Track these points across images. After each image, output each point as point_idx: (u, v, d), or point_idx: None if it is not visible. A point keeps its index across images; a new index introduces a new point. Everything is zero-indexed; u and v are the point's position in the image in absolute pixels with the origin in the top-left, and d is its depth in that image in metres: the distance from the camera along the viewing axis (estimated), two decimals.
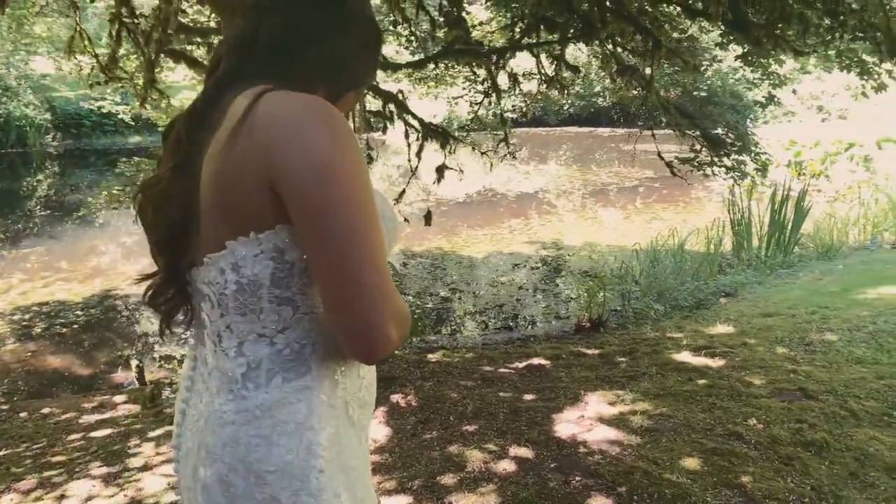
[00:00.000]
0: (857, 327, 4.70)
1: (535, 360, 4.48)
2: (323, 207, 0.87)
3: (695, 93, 26.54)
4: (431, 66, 7.70)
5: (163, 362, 6.33)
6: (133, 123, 17.46)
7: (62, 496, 2.95)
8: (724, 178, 6.46)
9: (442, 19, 6.40)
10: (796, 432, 3.15)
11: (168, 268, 1.04)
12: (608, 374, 4.13)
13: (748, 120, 24.58)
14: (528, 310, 6.90)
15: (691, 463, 2.92)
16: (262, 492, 0.96)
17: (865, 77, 4.22)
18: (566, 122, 28.31)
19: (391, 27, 6.95)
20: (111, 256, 9.73)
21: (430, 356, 4.73)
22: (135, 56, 7.01)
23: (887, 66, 3.96)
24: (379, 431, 3.40)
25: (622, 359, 4.44)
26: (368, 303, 0.88)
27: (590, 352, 4.68)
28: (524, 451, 3.10)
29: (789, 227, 7.88)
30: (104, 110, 18.37)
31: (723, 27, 4.18)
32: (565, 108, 26.66)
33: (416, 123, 6.59)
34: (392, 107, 6.20)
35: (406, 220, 6.64)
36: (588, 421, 3.39)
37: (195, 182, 0.96)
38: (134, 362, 5.69)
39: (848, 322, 4.83)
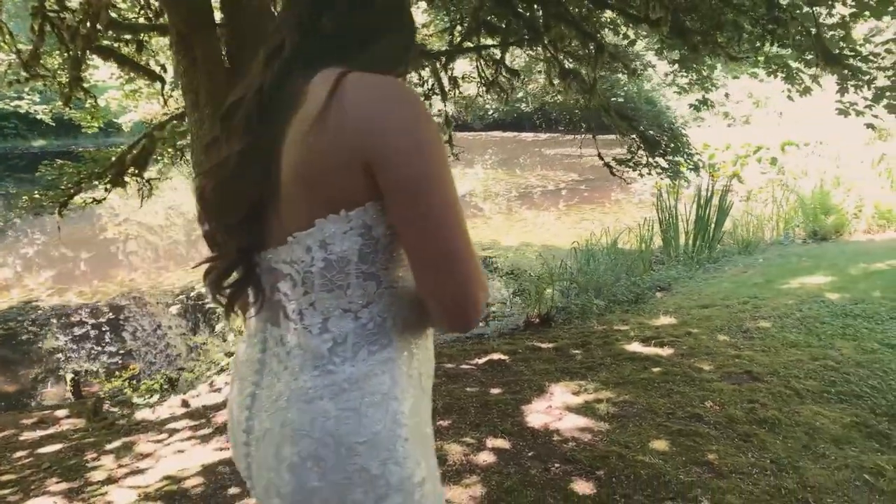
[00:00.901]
0: (786, 314, 5.05)
1: (494, 356, 4.57)
2: (421, 183, 0.90)
3: (612, 98, 27.60)
4: None
5: (92, 376, 6.01)
6: (52, 124, 16.45)
7: None
8: (660, 176, 6.78)
9: None
10: (749, 412, 3.37)
11: (239, 250, 1.04)
12: (566, 365, 4.26)
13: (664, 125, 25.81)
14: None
15: (660, 445, 3.08)
16: (353, 463, 0.97)
17: (791, 82, 4.58)
18: (490, 127, 28.79)
19: None
20: (26, 265, 9.13)
21: None
22: (58, 53, 6.63)
23: (812, 71, 4.31)
24: None
25: (576, 351, 4.59)
26: (465, 270, 0.92)
27: (544, 346, 4.81)
28: (501, 442, 3.17)
29: (713, 225, 8.35)
30: (5, 111, 17.20)
31: (664, 34, 4.41)
32: (490, 113, 27.12)
33: None
34: None
35: None
36: (557, 410, 3.50)
37: (270, 163, 0.97)
38: (69, 376, 5.38)
39: (777, 310, 5.19)
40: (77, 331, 7.57)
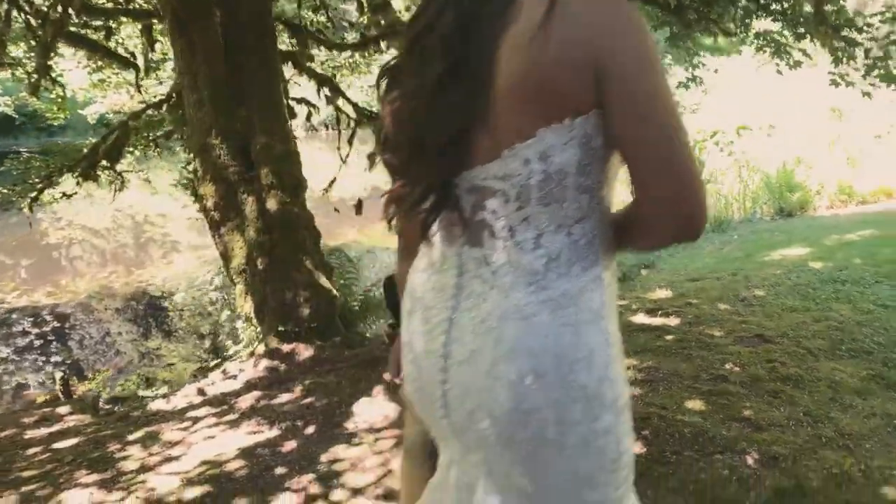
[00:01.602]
0: (778, 283, 5.24)
1: None
2: (650, 90, 0.90)
3: None
4: (347, 53, 7.60)
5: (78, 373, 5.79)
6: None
7: None
8: None
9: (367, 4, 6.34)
10: (771, 370, 3.48)
11: (441, 173, 1.01)
12: None
13: None
14: None
15: (695, 404, 3.15)
16: (573, 380, 0.96)
17: (780, 56, 4.75)
18: None
19: (312, 12, 6.78)
20: None
21: None
22: (23, 41, 6.32)
23: (802, 45, 4.47)
24: (387, 408, 3.35)
25: None
26: (691, 174, 0.92)
27: None
28: None
29: None
30: None
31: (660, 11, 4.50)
32: None
33: (348, 109, 6.49)
34: (327, 91, 6.06)
35: (336, 209, 6.52)
36: None
37: (477, 80, 0.95)
38: (58, 375, 5.15)
39: (768, 279, 5.37)
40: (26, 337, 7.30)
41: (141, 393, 4.31)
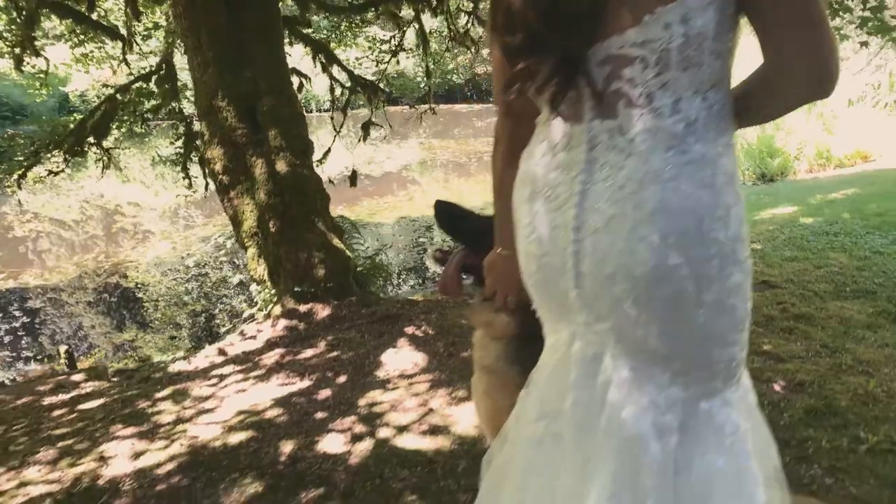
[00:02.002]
0: (773, 237, 5.40)
1: None
2: None
3: None
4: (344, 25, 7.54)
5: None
6: None
7: (102, 457, 2.65)
8: None
9: None
10: (783, 311, 3.61)
11: (576, 45, 1.05)
12: None
13: None
14: None
15: None
16: (712, 238, 1.01)
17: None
18: (422, 101, 28.63)
19: None
20: None
21: (414, 298, 4.74)
22: (3, 13, 6.13)
23: None
24: (415, 356, 3.39)
25: None
26: (826, 25, 0.97)
27: None
28: None
29: None
30: None
31: None
32: (421, 86, 26.99)
33: (342, 77, 6.45)
34: (322, 58, 6.02)
35: (331, 180, 6.50)
36: None
37: None
38: (62, 349, 5.08)
39: (762, 235, 5.53)
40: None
41: (157, 359, 4.27)
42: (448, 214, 1.74)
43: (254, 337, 4.00)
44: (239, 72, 4.21)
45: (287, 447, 2.58)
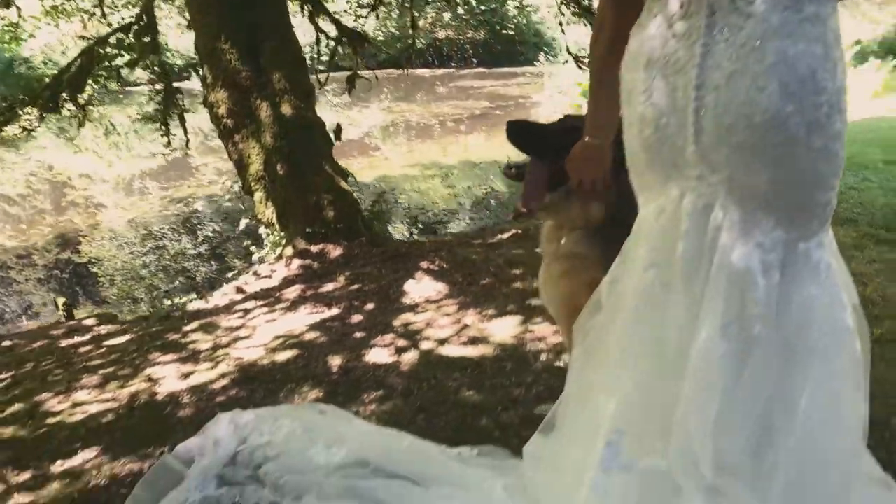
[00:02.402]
0: None
1: (511, 233, 4.79)
2: None
3: (503, 31, 27.99)
4: None
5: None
6: None
7: (150, 378, 2.72)
8: None
9: None
10: None
11: None
12: None
13: (540, 56, 26.64)
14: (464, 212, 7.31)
15: None
16: (822, 86, 1.15)
17: None
18: (383, 66, 28.32)
19: None
20: None
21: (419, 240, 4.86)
22: None
23: None
24: (437, 286, 3.52)
25: None
26: None
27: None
28: None
29: None
30: None
31: None
32: (384, 51, 26.66)
33: (328, 28, 6.42)
34: (309, 7, 5.98)
35: None
36: None
37: None
38: (60, 300, 5.04)
39: None
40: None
41: (173, 301, 4.29)
42: (523, 131, 1.85)
43: (269, 276, 4.06)
44: (241, 12, 4.19)
45: (335, 361, 2.70)
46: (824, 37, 1.17)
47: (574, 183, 1.68)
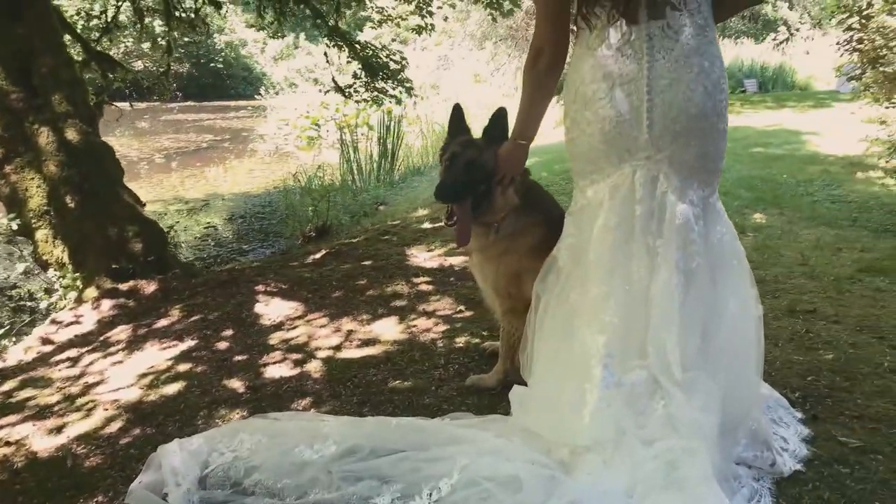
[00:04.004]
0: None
1: (323, 252, 4.91)
2: None
3: (211, 64, 27.04)
4: None
5: None
6: None
7: (8, 442, 2.29)
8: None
9: None
10: None
11: None
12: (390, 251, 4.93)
13: (261, 90, 26.50)
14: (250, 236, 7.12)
15: None
16: (723, 87, 1.76)
17: (495, 7, 5.95)
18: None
19: None
20: None
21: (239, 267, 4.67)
22: None
23: None
24: (289, 304, 3.51)
25: (392, 237, 5.24)
26: None
27: (356, 240, 5.35)
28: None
29: (391, 156, 9.85)
30: None
31: None
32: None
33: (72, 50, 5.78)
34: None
35: None
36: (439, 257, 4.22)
37: None
38: None
39: None
40: None
41: None
42: (453, 191, 2.17)
43: (77, 322, 3.56)
44: (10, 26, 3.67)
45: (234, 384, 2.60)
46: (719, 54, 1.74)
47: (500, 178, 2.07)
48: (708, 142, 1.75)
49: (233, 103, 26.21)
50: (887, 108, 5.49)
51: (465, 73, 14.85)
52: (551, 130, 9.14)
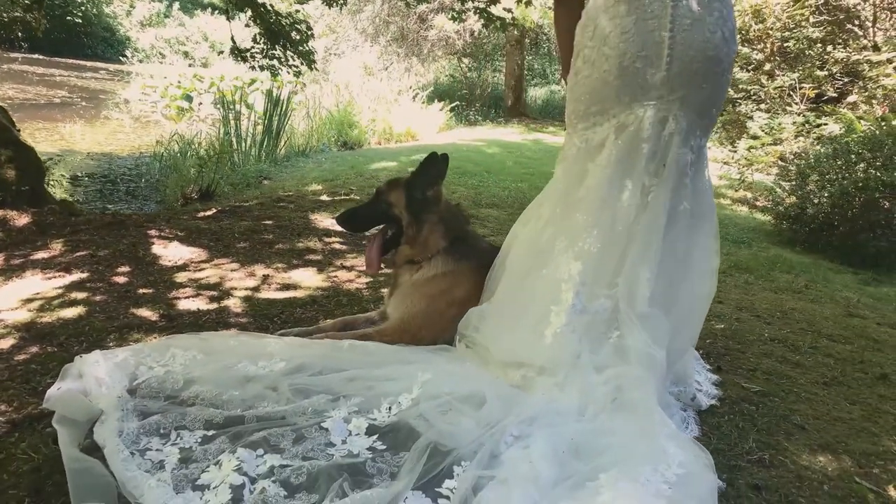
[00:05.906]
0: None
1: (214, 210, 4.65)
2: None
3: (68, 17, 24.61)
4: None
5: None
6: None
7: None
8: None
9: None
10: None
11: None
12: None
13: (127, 53, 24.54)
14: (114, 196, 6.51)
15: None
16: (735, 36, 1.90)
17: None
18: None
19: None
20: None
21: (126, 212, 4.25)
22: None
23: None
24: (191, 250, 3.29)
25: (289, 204, 5.08)
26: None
27: (249, 203, 5.12)
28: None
29: (275, 133, 9.50)
30: None
31: None
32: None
33: None
34: None
35: None
36: None
37: None
38: None
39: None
40: None
41: None
42: (351, 222, 2.29)
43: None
44: None
45: (144, 312, 2.40)
46: (732, 6, 1.88)
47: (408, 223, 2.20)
48: (718, 88, 1.88)
49: (89, 63, 23.94)
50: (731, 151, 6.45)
51: (355, 63, 14.70)
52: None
